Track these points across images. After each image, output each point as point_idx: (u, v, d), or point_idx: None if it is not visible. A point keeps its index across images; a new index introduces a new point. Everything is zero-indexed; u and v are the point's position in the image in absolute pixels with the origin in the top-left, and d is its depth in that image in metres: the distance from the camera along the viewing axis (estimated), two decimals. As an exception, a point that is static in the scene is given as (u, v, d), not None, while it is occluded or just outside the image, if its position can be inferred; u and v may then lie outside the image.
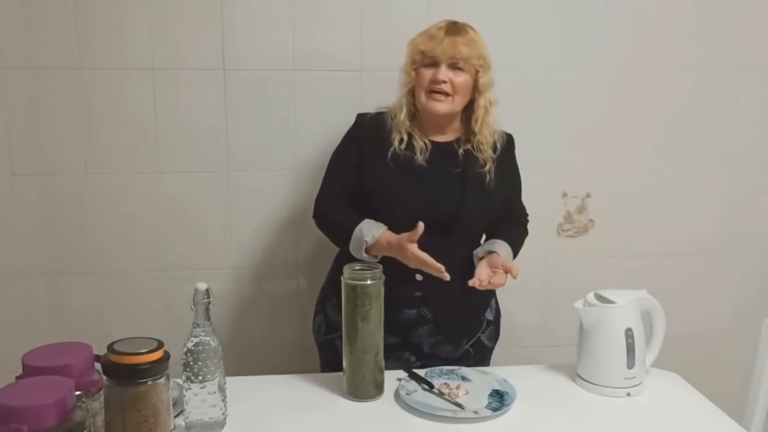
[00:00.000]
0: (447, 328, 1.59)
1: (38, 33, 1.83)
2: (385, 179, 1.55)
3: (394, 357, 1.53)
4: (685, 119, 2.12)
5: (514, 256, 1.59)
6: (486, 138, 1.56)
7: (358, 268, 1.37)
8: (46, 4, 1.82)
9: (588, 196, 2.13)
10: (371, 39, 1.93)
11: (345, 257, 1.51)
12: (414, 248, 1.40)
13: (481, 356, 1.66)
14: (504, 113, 1.68)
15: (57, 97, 1.87)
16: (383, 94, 1.64)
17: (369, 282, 1.34)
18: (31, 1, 1.82)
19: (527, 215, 1.72)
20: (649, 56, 2.07)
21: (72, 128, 1.89)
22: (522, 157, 1.69)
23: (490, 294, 1.69)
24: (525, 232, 1.69)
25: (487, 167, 1.56)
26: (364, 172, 1.57)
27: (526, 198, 1.71)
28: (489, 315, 1.68)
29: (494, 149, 1.58)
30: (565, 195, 2.12)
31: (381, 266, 1.37)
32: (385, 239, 1.45)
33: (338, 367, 1.42)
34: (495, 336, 1.70)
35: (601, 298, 1.42)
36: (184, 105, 1.92)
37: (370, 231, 1.47)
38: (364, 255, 1.48)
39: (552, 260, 2.13)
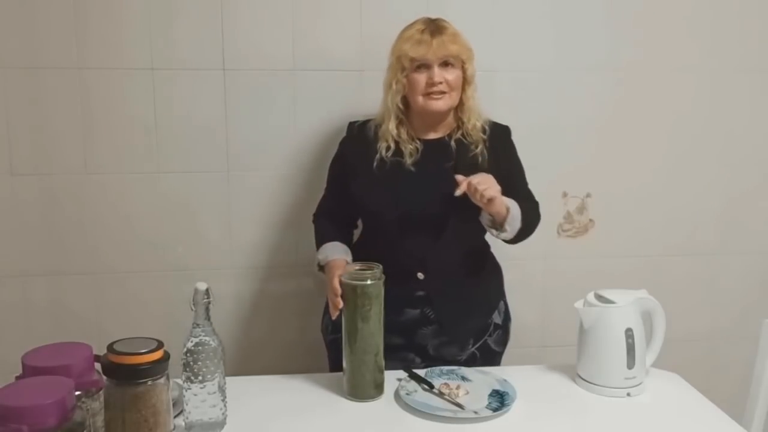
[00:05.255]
0: (451, 328, 1.58)
1: (38, 33, 1.83)
2: (371, 186, 1.57)
3: (399, 358, 1.53)
4: (685, 119, 2.12)
5: (523, 221, 1.52)
6: (474, 124, 1.59)
7: (358, 268, 1.37)
8: (46, 4, 1.82)
9: (588, 196, 2.12)
10: (371, 39, 1.93)
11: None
12: (333, 279, 1.41)
13: (488, 360, 1.63)
14: (504, 113, 1.69)
15: (57, 97, 1.86)
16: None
17: (369, 282, 1.34)
18: (31, 1, 1.81)
19: (538, 204, 1.65)
20: (649, 57, 2.06)
21: (72, 128, 1.88)
22: (522, 157, 1.68)
23: (498, 296, 1.69)
24: (537, 215, 1.62)
25: (479, 149, 1.58)
26: (351, 180, 1.61)
27: (526, 198, 1.70)
28: (497, 318, 1.66)
29: (483, 131, 1.59)
30: (565, 195, 2.12)
31: (381, 266, 1.37)
32: (329, 266, 1.48)
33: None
34: (503, 340, 1.69)
35: (601, 298, 1.42)
36: (184, 105, 1.92)
37: (325, 253, 1.54)
38: (317, 269, 1.56)
39: (552, 260, 2.13)
